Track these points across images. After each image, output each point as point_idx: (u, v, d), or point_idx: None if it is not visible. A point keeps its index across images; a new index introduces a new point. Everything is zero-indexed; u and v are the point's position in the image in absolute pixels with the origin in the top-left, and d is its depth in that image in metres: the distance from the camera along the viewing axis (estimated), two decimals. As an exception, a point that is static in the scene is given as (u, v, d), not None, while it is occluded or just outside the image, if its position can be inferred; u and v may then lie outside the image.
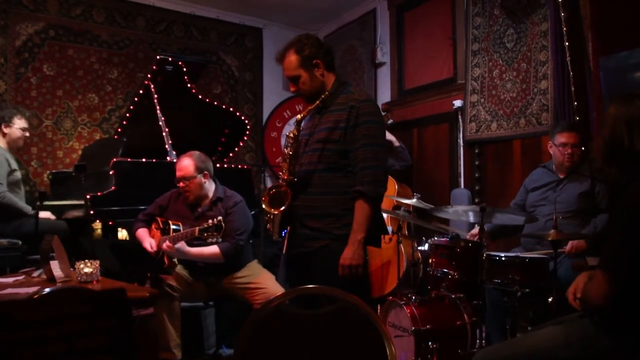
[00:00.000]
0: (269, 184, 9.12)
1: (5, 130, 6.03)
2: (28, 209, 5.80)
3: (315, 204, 3.49)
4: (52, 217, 6.05)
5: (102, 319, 0.92)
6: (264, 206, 3.51)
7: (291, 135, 3.52)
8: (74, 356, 0.87)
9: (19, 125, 6.11)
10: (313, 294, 2.37)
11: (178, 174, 4.70)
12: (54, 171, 7.13)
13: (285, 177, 3.52)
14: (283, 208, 3.45)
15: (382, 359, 2.02)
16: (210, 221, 4.28)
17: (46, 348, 0.84)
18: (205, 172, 4.72)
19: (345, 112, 3.45)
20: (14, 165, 6.02)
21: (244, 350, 2.09)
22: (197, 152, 4.82)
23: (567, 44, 5.32)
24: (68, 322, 0.87)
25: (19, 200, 5.89)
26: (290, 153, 3.51)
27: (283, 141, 9.85)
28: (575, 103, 5.24)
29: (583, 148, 4.85)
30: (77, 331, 0.88)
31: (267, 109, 10.05)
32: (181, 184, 4.69)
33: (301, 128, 3.61)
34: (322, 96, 3.51)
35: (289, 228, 3.69)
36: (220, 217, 4.30)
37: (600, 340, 2.45)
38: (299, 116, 3.52)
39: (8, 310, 0.85)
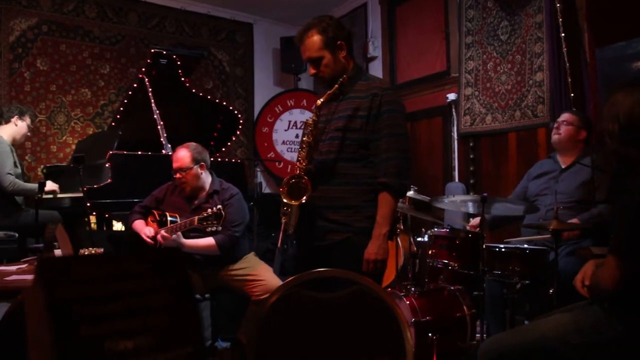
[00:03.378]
0: (260, 179, 9.11)
1: (17, 122, 6.16)
2: (35, 186, 5.83)
3: (335, 195, 3.35)
4: (55, 187, 6.13)
5: (159, 277, 0.92)
6: (282, 197, 3.34)
7: (310, 121, 3.36)
8: (134, 313, 0.87)
9: (28, 122, 6.28)
10: (331, 276, 2.36)
11: (175, 164, 4.65)
12: (48, 165, 7.14)
13: (303, 166, 3.34)
14: (304, 199, 3.27)
15: (398, 342, 2.02)
16: (209, 210, 4.24)
17: (105, 305, 0.84)
18: (202, 163, 4.67)
19: (367, 99, 3.30)
20: (16, 158, 6.10)
21: (260, 332, 2.06)
22: (193, 144, 4.77)
23: (563, 35, 5.34)
24: (128, 280, 0.87)
25: (26, 184, 6.02)
26: (309, 141, 3.35)
27: (275, 136, 9.87)
28: (572, 94, 5.26)
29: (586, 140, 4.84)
30: (136, 289, 0.88)
31: (258, 104, 10.06)
32: (178, 175, 4.64)
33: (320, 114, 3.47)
34: (340, 79, 3.35)
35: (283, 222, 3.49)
36: (219, 206, 4.27)
37: (611, 326, 2.44)
38: (319, 101, 3.36)
39: (67, 266, 0.84)
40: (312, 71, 3.43)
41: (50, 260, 0.81)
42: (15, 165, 6.01)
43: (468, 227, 4.99)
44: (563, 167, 4.79)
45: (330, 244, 3.36)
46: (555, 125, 4.86)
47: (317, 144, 3.39)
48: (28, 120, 6.24)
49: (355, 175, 3.34)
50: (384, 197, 3.28)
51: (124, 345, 0.84)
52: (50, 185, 5.99)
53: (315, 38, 3.34)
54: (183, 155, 4.63)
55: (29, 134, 6.37)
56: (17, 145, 6.38)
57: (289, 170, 9.41)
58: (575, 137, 4.76)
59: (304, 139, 3.39)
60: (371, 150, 3.32)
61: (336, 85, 3.35)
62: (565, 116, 4.83)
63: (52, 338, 0.76)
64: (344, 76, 3.37)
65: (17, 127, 6.13)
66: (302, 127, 3.57)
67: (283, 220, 3.41)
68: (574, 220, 4.41)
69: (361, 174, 3.34)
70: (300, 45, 3.43)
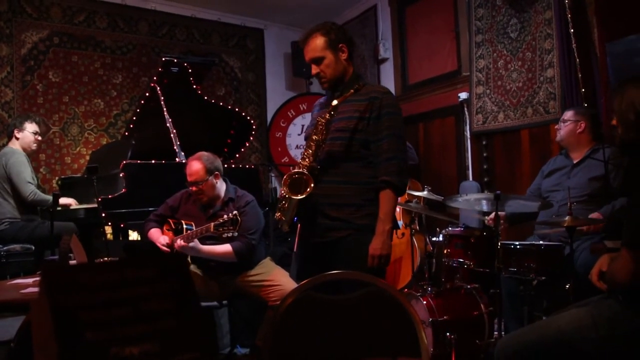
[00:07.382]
0: (275, 184, 9.12)
1: (18, 135, 6.15)
2: (50, 198, 5.83)
3: (336, 193, 3.41)
4: (74, 202, 6.17)
5: (164, 282, 0.93)
6: (283, 190, 3.39)
7: (323, 120, 3.40)
8: (139, 319, 0.88)
9: (30, 129, 6.21)
10: (345, 279, 2.37)
11: (189, 179, 4.61)
12: (62, 177, 7.16)
13: (308, 164, 3.38)
14: (307, 192, 3.30)
15: (413, 341, 2.02)
16: (225, 216, 4.22)
17: (111, 311, 0.85)
18: (216, 172, 4.64)
19: (368, 102, 3.41)
20: (31, 169, 6.13)
21: (275, 335, 2.07)
22: (205, 154, 4.73)
23: (572, 30, 5.33)
24: (132, 286, 0.88)
25: (44, 195, 6.02)
26: (319, 139, 3.40)
27: (289, 141, 9.87)
28: (583, 90, 5.25)
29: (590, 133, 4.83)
30: (141, 295, 0.89)
31: (271, 109, 10.06)
32: (194, 189, 4.62)
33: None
34: (357, 85, 3.45)
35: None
36: (235, 212, 4.24)
37: (627, 319, 2.42)
38: (335, 102, 3.39)
39: (72, 273, 0.85)
40: (314, 70, 3.54)
41: (55, 268, 0.82)
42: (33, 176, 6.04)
43: (488, 220, 4.98)
44: (574, 162, 4.79)
45: (331, 241, 3.43)
46: (557, 126, 4.92)
47: (325, 142, 3.44)
48: (30, 126, 6.20)
49: (357, 174, 3.44)
50: (386, 194, 3.38)
51: (130, 350, 0.84)
52: (64, 200, 6.03)
53: (319, 40, 3.49)
54: (197, 168, 4.59)
55: (39, 138, 6.31)
56: (31, 155, 6.39)
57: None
58: (575, 131, 4.79)
59: (313, 137, 3.42)
60: (372, 150, 3.43)
61: (351, 90, 3.42)
62: (566, 114, 4.94)
63: (58, 345, 0.77)
64: (360, 82, 3.49)
65: (20, 139, 6.14)
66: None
67: (277, 217, 3.46)
68: (596, 215, 4.41)
69: (362, 173, 3.44)
70: (304, 46, 3.56)
